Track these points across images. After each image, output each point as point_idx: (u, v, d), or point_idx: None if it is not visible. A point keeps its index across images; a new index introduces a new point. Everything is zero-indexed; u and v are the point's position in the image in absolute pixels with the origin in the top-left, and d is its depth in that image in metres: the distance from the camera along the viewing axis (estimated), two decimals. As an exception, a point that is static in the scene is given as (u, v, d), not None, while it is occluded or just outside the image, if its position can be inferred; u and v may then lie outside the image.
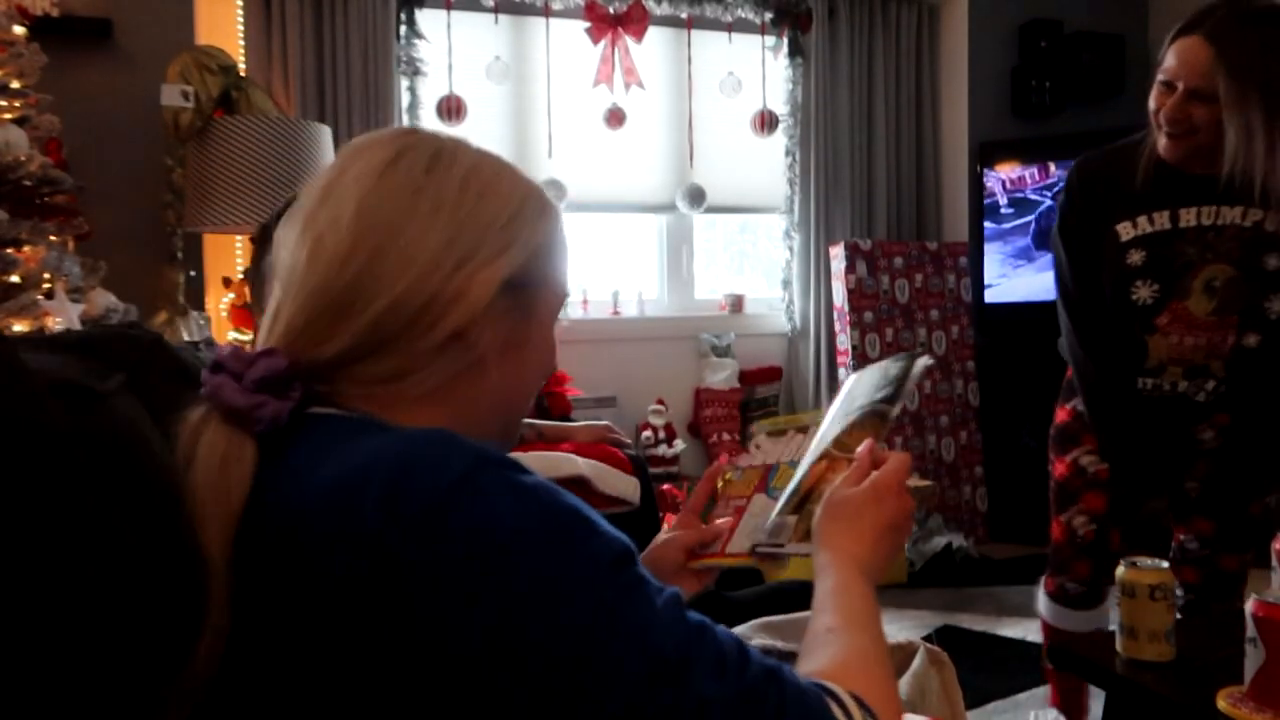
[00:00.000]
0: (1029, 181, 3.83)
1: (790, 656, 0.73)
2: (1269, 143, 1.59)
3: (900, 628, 2.83)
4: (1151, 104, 1.73)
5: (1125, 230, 1.79)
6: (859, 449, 0.88)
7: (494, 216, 0.73)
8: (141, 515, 0.63)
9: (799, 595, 1.44)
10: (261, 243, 1.35)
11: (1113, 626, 1.48)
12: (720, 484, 1.07)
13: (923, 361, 0.96)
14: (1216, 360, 1.76)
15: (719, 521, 1.02)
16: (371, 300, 0.69)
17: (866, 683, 0.67)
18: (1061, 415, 1.99)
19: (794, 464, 1.00)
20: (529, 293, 0.76)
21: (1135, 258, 1.78)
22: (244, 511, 0.64)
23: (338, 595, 0.57)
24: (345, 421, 0.69)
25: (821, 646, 0.72)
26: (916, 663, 1.09)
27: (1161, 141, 1.72)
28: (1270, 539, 1.84)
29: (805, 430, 1.05)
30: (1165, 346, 1.79)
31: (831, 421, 0.99)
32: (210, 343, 1.49)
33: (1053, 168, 3.78)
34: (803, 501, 0.92)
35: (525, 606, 0.56)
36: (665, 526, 1.09)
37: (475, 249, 0.72)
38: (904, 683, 1.05)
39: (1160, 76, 1.69)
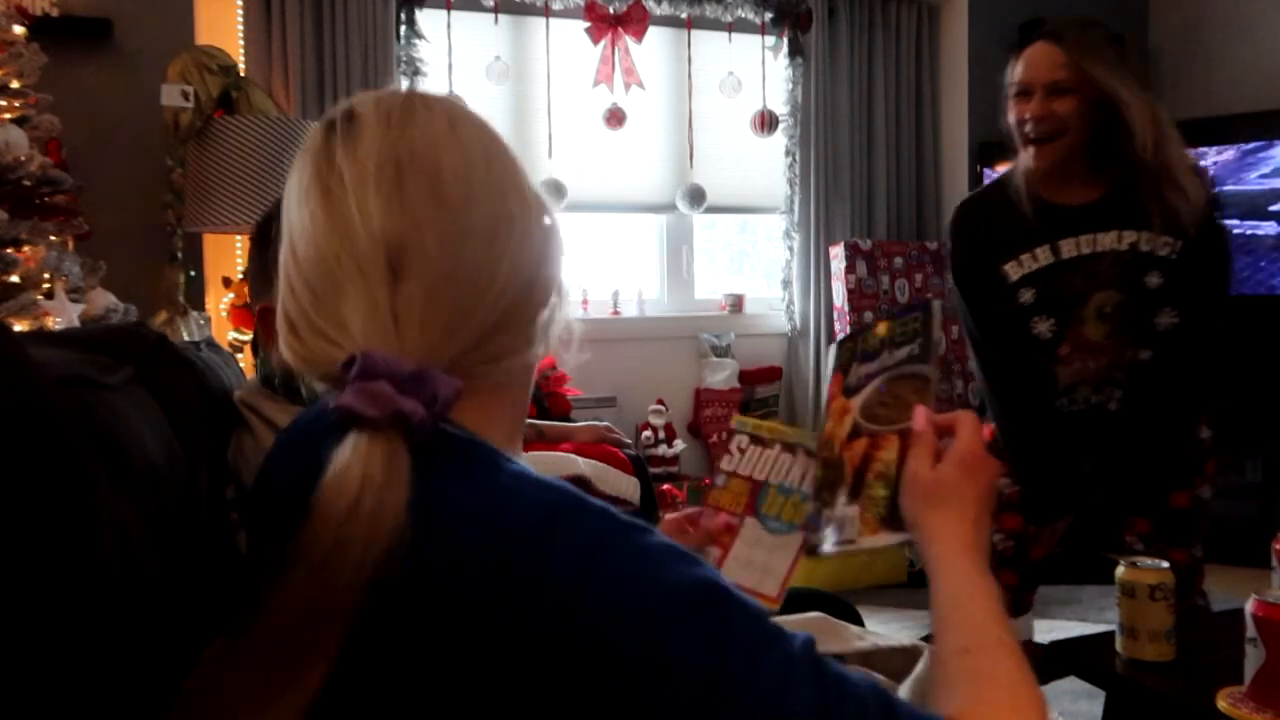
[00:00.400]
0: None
1: None
2: (1123, 112, 1.71)
3: (901, 628, 2.83)
4: (1011, 119, 1.83)
5: (1013, 270, 1.86)
6: (915, 418, 0.79)
7: (519, 169, 0.72)
8: (142, 509, 0.63)
9: (802, 601, 1.44)
10: (259, 241, 1.34)
11: (1111, 628, 1.48)
12: (707, 488, 1.02)
13: (938, 305, 0.87)
14: (1119, 371, 1.88)
15: (710, 550, 0.97)
16: (495, 278, 0.66)
17: (1012, 712, 0.63)
18: (987, 432, 2.08)
19: (784, 489, 0.95)
20: None
21: (1027, 296, 1.85)
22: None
23: (451, 655, 0.56)
24: (457, 444, 0.64)
25: (959, 678, 0.67)
26: (920, 667, 1.09)
27: (1029, 153, 1.81)
28: (1208, 533, 1.94)
29: (792, 450, 0.98)
30: (1071, 373, 1.88)
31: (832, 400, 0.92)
32: (211, 343, 1.48)
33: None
34: (857, 486, 0.84)
35: (655, 683, 0.54)
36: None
37: (533, 205, 0.70)
38: (906, 687, 1.05)
39: (1012, 90, 1.82)
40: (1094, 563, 2.94)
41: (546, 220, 0.71)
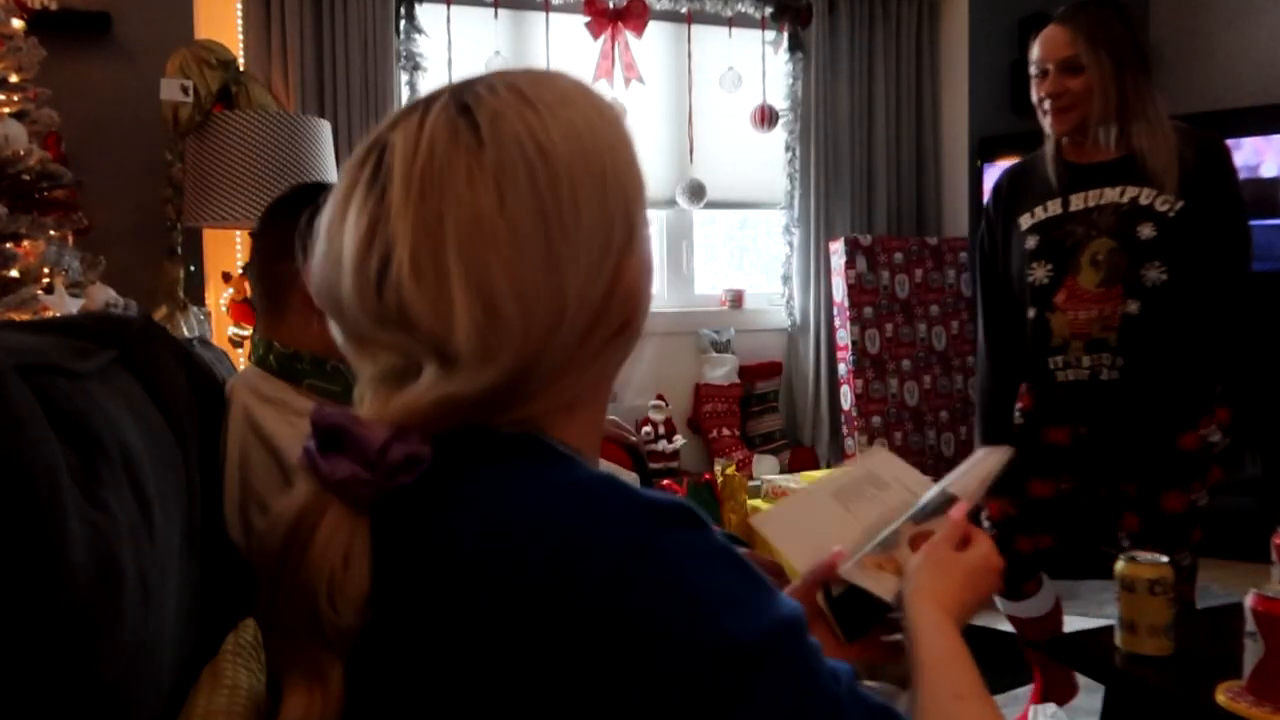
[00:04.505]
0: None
1: None
2: (1119, 88, 1.89)
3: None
4: (1034, 97, 2.00)
5: (1025, 220, 2.04)
6: (953, 512, 0.89)
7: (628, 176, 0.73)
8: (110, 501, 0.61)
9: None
10: (260, 238, 1.33)
11: (1110, 622, 1.48)
12: None
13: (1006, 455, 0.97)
14: (1110, 332, 1.94)
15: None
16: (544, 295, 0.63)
17: None
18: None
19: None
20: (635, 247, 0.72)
21: (1031, 242, 2.02)
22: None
23: (489, 647, 0.55)
24: (500, 439, 0.63)
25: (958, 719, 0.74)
26: None
27: (1049, 121, 1.98)
28: (1196, 537, 1.95)
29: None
30: (1065, 323, 1.98)
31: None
32: (204, 341, 1.48)
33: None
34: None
35: (693, 683, 0.54)
36: None
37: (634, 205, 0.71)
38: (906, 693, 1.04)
39: (1033, 71, 1.99)
40: (1094, 557, 2.94)
41: (641, 235, 0.71)
